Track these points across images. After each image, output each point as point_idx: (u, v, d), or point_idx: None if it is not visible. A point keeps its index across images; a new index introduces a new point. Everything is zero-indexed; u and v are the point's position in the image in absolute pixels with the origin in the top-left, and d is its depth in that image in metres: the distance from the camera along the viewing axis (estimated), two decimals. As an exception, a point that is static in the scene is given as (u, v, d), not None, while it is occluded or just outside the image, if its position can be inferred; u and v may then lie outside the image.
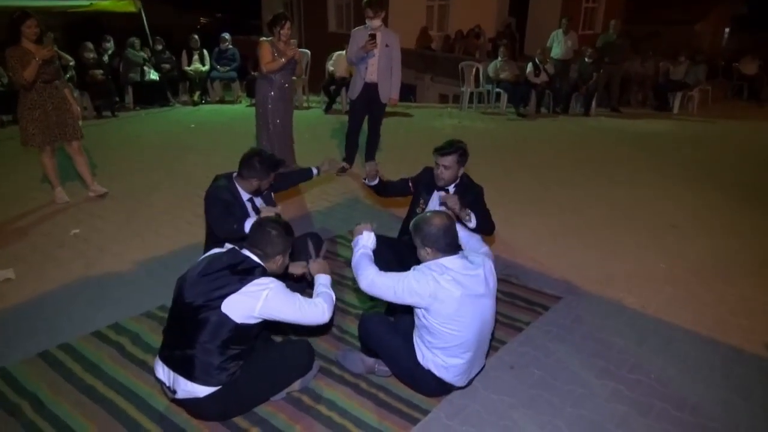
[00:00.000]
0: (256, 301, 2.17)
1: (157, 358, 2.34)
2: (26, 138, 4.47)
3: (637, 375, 2.76)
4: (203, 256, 2.38)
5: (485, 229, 3.09)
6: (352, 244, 2.64)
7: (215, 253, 2.36)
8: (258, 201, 3.26)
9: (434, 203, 3.31)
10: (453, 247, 2.37)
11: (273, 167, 3.19)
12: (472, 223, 3.01)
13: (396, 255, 3.14)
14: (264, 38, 5.22)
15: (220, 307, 2.14)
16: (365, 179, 3.49)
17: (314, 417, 2.43)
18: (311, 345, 2.62)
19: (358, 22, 5.33)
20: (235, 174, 3.18)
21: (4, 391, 2.55)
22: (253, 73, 9.45)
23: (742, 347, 3.01)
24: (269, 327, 2.52)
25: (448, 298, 2.27)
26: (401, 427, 2.38)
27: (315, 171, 3.64)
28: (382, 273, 2.42)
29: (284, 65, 5.15)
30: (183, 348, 2.21)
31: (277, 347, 2.63)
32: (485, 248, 2.65)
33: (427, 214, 2.43)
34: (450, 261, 2.33)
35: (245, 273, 2.22)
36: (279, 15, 5.20)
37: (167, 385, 2.29)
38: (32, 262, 3.80)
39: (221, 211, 3.05)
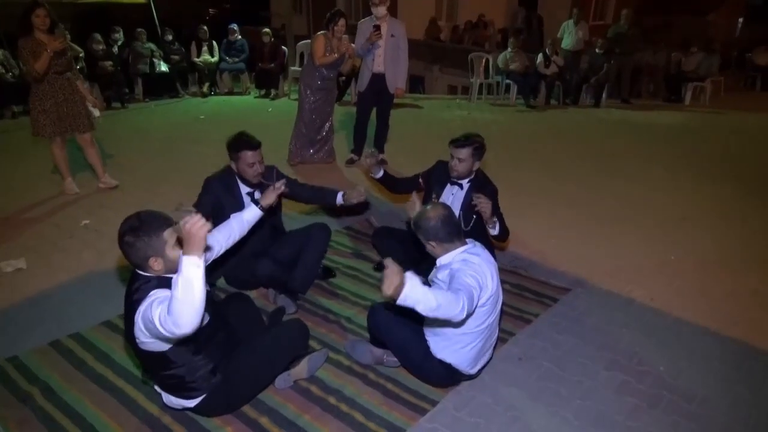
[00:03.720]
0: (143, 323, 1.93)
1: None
2: (37, 128, 4.48)
3: (646, 367, 2.75)
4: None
5: (504, 236, 3.09)
6: (402, 302, 1.93)
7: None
8: (258, 195, 3.15)
9: (447, 196, 3.30)
10: (456, 235, 2.38)
11: (243, 146, 3.02)
12: (495, 231, 3.02)
13: (404, 247, 3.13)
14: (320, 32, 5.32)
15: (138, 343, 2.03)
16: (372, 174, 3.48)
17: (323, 407, 2.44)
18: (303, 323, 2.62)
19: (368, 12, 5.35)
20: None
21: (16, 379, 2.58)
22: (259, 64, 9.47)
23: (752, 341, 2.99)
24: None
25: (490, 280, 2.33)
26: (409, 417, 2.39)
27: (340, 197, 3.31)
28: (452, 294, 2.09)
29: (336, 60, 5.32)
30: (161, 377, 2.22)
31: (268, 331, 2.59)
32: None
33: (426, 208, 2.42)
34: (471, 249, 2.38)
35: (139, 294, 1.98)
36: (335, 12, 5.34)
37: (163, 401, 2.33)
38: (43, 252, 3.83)
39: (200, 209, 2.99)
